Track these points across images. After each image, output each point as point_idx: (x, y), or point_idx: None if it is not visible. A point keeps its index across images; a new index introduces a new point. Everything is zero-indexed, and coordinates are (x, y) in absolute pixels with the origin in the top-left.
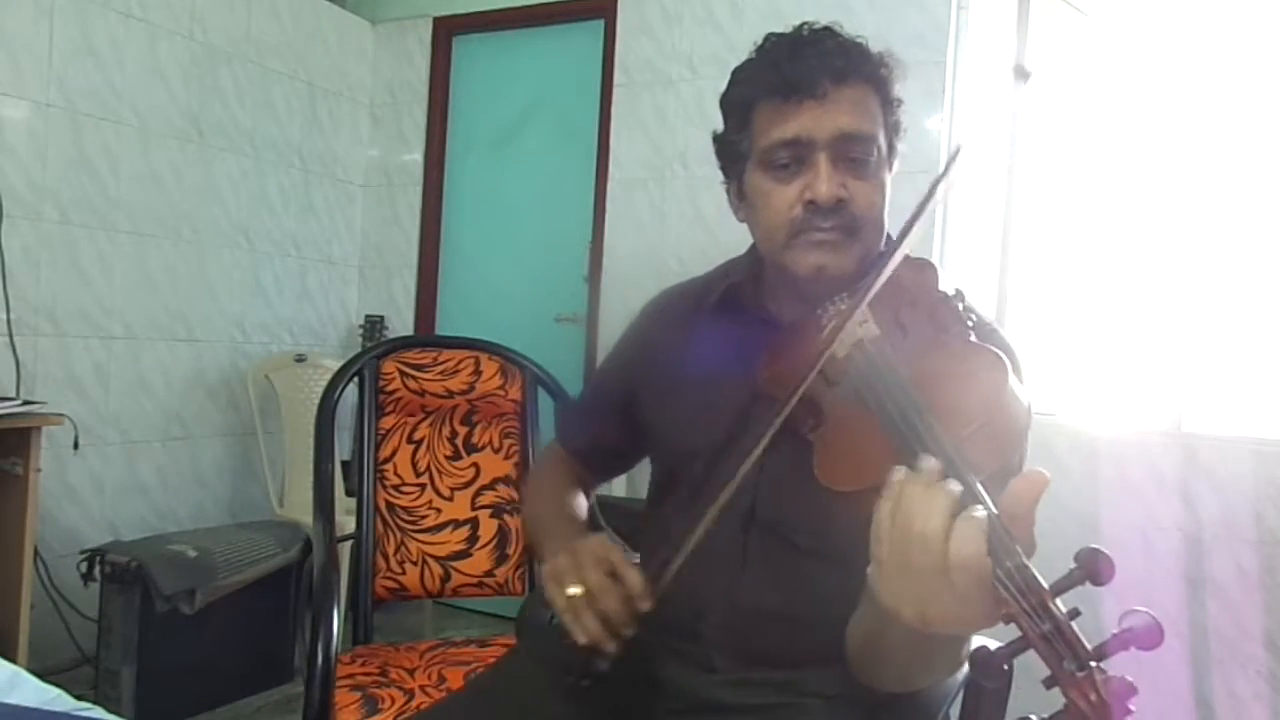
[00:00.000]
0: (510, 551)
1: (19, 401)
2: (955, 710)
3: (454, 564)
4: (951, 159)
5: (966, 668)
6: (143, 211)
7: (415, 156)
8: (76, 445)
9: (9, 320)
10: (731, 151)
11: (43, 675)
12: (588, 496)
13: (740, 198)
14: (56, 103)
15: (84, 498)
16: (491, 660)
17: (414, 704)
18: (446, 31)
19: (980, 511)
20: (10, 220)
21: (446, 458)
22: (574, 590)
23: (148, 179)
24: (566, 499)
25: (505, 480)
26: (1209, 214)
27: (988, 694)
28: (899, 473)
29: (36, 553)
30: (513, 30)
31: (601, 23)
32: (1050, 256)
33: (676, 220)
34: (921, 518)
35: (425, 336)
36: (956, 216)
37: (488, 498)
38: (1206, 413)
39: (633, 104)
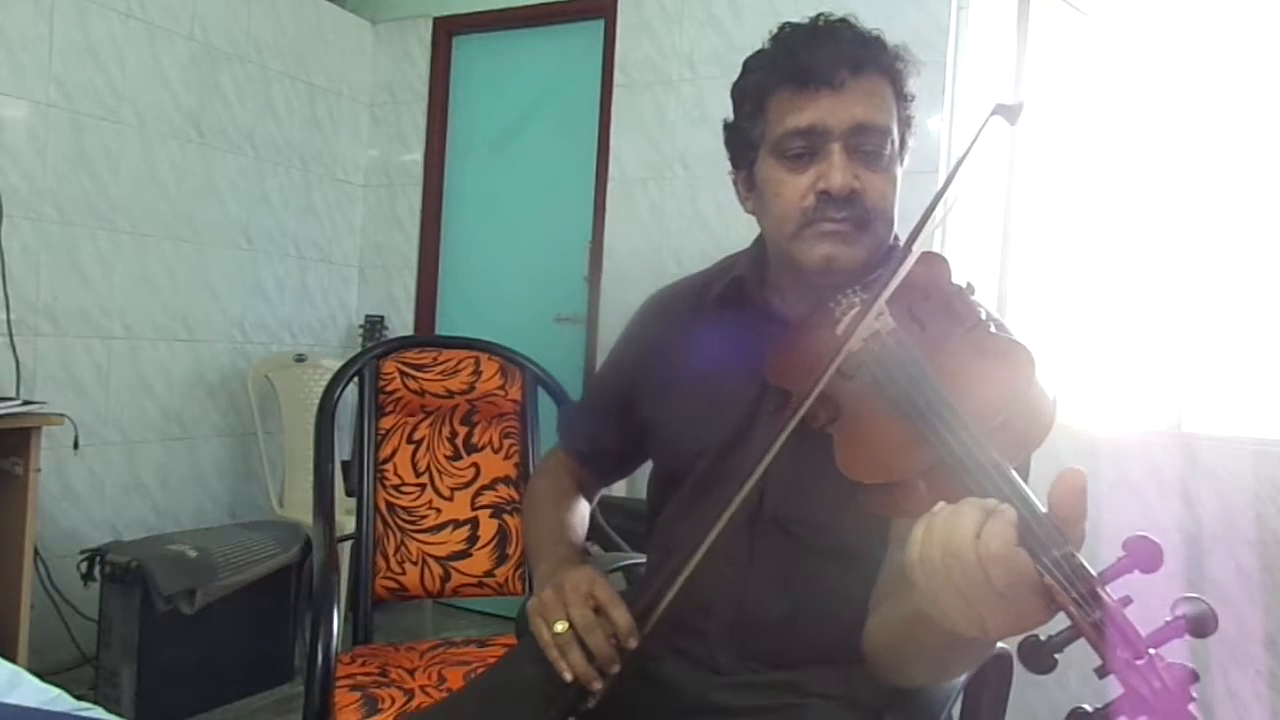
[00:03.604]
0: (510, 551)
1: (19, 401)
2: (956, 709)
3: (454, 564)
4: (968, 148)
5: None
6: (143, 211)
7: (415, 156)
8: (76, 445)
9: (9, 320)
10: (743, 140)
11: (43, 675)
12: (589, 501)
13: (749, 188)
14: (56, 103)
15: (84, 498)
16: (491, 660)
17: (414, 704)
18: (446, 31)
19: (1007, 508)
20: (10, 220)
21: (446, 458)
22: (560, 627)
23: (148, 179)
24: (564, 511)
25: (505, 480)
26: (1209, 214)
27: (988, 694)
28: (937, 504)
29: (36, 553)
30: (513, 30)
31: (601, 23)
32: (1051, 257)
33: (676, 220)
34: (950, 532)
35: (425, 336)
36: (957, 216)
37: (488, 498)
38: (1206, 413)
39: (633, 104)
